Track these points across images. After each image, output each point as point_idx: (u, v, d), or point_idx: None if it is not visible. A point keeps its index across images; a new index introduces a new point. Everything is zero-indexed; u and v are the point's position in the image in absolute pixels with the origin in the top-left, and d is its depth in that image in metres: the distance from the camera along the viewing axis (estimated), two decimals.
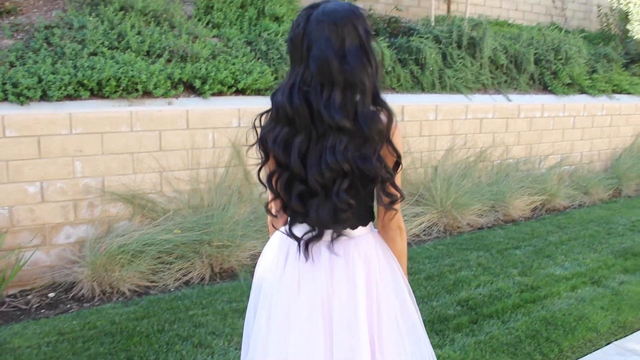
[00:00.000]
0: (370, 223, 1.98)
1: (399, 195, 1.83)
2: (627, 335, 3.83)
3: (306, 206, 1.84)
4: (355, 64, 1.71)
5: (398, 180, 1.85)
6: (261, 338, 1.95)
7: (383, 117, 1.77)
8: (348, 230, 1.90)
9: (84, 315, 3.90)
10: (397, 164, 1.83)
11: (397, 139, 1.82)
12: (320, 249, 1.90)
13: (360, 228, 1.93)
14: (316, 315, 1.88)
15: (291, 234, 1.91)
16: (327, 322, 1.87)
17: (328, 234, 1.87)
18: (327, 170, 1.74)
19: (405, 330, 1.93)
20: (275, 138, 1.80)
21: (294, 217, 1.92)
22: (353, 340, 1.84)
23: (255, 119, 1.90)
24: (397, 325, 1.91)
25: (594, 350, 3.61)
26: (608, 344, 3.71)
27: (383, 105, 1.77)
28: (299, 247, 1.89)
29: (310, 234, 1.86)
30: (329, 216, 1.81)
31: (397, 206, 1.88)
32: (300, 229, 1.90)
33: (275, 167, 1.86)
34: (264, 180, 1.92)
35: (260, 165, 1.94)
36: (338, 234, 1.87)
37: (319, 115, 1.73)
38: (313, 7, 1.78)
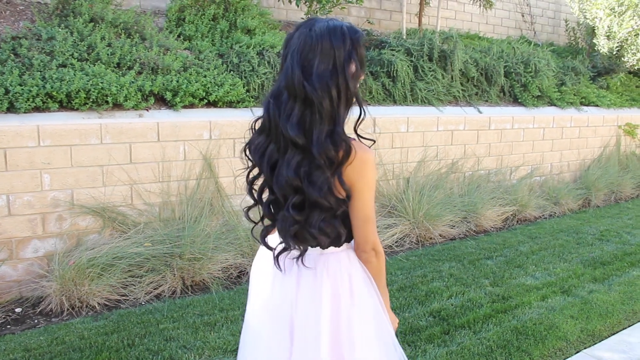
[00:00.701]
0: (346, 244, 1.96)
1: (331, 231, 1.82)
2: (596, 344, 3.87)
3: (274, 216, 1.89)
4: (318, 86, 1.67)
5: (362, 212, 1.81)
6: (240, 343, 2.06)
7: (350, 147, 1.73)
8: (318, 249, 1.91)
9: (52, 331, 3.83)
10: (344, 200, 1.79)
11: (356, 176, 1.76)
12: (292, 261, 1.91)
13: (331, 248, 1.92)
14: (281, 327, 1.90)
15: (263, 242, 1.96)
16: (291, 334, 1.89)
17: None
18: (282, 183, 1.76)
19: (379, 351, 1.92)
20: (254, 145, 1.85)
21: (267, 226, 1.96)
22: (313, 355, 1.84)
23: (251, 124, 1.92)
24: (371, 345, 1.91)
25: (564, 359, 3.65)
26: (577, 352, 3.75)
27: (339, 138, 1.71)
28: (273, 256, 1.92)
29: (281, 246, 1.89)
30: (285, 230, 1.83)
31: (368, 229, 1.84)
32: (274, 238, 1.95)
33: (256, 174, 1.92)
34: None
35: (247, 171, 1.95)
36: (302, 251, 1.87)
37: (280, 127, 1.74)
38: (315, 20, 1.77)
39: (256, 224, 1.99)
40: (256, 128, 1.89)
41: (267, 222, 1.99)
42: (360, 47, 1.75)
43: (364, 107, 1.81)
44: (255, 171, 1.92)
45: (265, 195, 1.92)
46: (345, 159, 1.72)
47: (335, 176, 1.73)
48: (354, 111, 1.81)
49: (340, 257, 1.92)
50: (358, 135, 1.83)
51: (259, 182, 1.94)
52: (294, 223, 1.79)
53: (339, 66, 1.69)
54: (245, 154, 1.91)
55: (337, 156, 1.71)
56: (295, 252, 1.88)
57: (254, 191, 1.94)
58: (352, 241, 1.95)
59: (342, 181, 1.74)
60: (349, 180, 1.76)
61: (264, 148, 1.81)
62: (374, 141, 1.95)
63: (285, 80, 1.72)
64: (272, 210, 1.90)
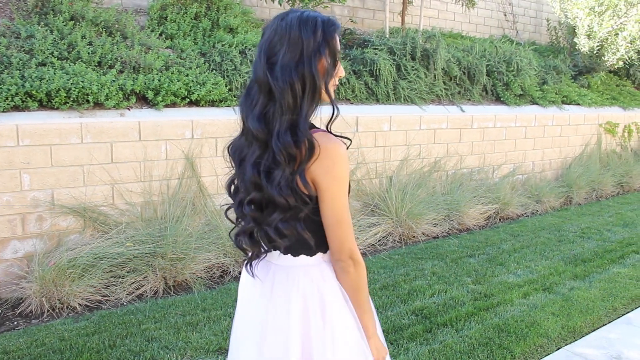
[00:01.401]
0: (321, 254, 1.78)
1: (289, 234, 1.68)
2: (576, 340, 3.90)
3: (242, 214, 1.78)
4: (280, 76, 1.58)
5: (332, 213, 1.65)
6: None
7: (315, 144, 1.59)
8: (289, 258, 1.77)
9: (32, 332, 3.79)
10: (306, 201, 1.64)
11: (322, 172, 1.61)
12: (269, 268, 1.82)
13: (302, 257, 1.76)
14: (253, 336, 1.80)
15: (236, 243, 1.83)
16: (260, 347, 1.77)
17: (273, 254, 1.80)
18: (247, 179, 1.68)
19: None
20: (232, 143, 1.80)
21: (242, 227, 1.82)
22: None
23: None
24: None
25: (545, 356, 3.67)
26: (558, 349, 3.78)
27: (301, 134, 1.58)
28: (245, 261, 1.84)
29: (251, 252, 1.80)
30: (243, 229, 1.75)
31: (342, 233, 1.67)
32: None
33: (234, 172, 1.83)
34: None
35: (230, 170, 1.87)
36: (253, 255, 1.79)
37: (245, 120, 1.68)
38: (290, 11, 1.69)
39: (235, 225, 1.84)
40: None
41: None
42: (333, 40, 1.63)
43: (336, 104, 1.69)
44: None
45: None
46: (308, 157, 1.58)
47: (297, 174, 1.59)
48: (327, 110, 1.72)
49: (312, 272, 1.75)
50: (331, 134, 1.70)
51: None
52: (251, 221, 1.71)
53: (306, 57, 1.59)
54: (228, 151, 1.82)
55: (300, 153, 1.58)
56: (271, 259, 1.79)
57: (231, 189, 1.84)
58: (328, 252, 1.78)
59: (305, 180, 1.60)
60: (314, 178, 1.61)
61: (237, 144, 1.75)
62: (350, 140, 1.80)
63: (255, 72, 1.65)
64: (239, 208, 1.77)
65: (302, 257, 1.76)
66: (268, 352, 1.74)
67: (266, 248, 1.79)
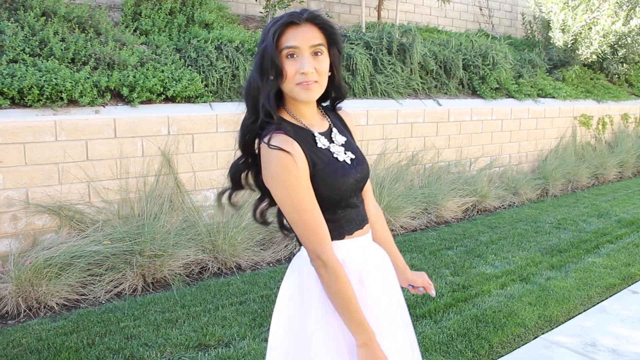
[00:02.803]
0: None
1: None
2: (553, 329, 3.96)
3: None
4: (251, 72, 1.69)
5: (286, 215, 1.68)
6: None
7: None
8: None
9: (8, 333, 3.74)
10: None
11: (271, 182, 1.65)
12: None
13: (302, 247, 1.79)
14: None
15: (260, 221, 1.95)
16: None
17: None
18: None
19: None
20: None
21: None
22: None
23: None
24: None
25: (523, 345, 3.72)
26: (535, 337, 3.83)
27: (244, 129, 1.72)
28: None
29: None
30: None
31: (301, 235, 1.66)
32: None
33: None
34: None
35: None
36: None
37: None
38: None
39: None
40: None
41: None
42: (267, 36, 1.64)
43: (263, 107, 1.66)
44: None
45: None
46: (263, 155, 1.66)
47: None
48: None
49: (302, 264, 1.80)
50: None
51: None
52: (234, 209, 1.88)
53: (258, 53, 1.68)
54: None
55: (248, 146, 1.73)
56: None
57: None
58: None
59: (259, 179, 1.76)
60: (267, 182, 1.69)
61: None
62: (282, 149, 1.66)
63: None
64: None
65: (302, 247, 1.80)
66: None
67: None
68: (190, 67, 5.64)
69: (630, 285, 4.78)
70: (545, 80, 9.87)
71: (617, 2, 10.72)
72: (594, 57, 10.59)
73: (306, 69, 1.64)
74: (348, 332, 1.68)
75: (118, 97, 5.07)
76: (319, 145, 1.73)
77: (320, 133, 1.77)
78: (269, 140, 1.62)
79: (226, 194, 1.80)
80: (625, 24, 10.92)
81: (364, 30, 8.06)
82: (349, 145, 1.83)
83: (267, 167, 1.63)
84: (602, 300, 4.46)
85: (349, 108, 1.91)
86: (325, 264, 1.62)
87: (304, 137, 1.71)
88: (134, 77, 5.05)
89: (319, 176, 1.68)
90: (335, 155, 1.75)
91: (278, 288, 1.96)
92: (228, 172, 1.78)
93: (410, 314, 3.93)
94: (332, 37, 1.70)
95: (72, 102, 4.73)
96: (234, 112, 1.94)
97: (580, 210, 7.36)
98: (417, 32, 7.96)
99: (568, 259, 5.31)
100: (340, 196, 1.73)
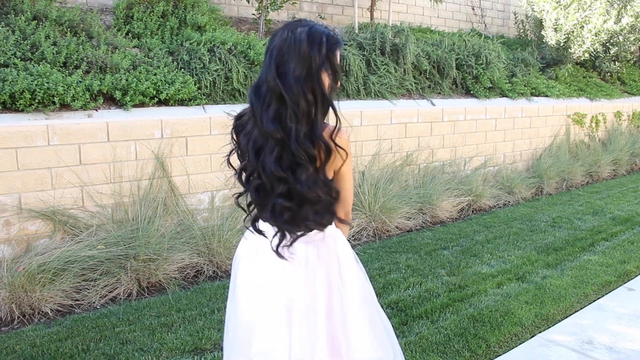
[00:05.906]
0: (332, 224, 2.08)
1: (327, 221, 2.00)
2: (549, 327, 3.96)
3: (263, 201, 1.96)
4: (294, 89, 1.76)
5: (343, 207, 2.02)
6: (229, 341, 2.18)
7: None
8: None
9: (2, 340, 3.71)
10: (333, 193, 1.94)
11: (342, 164, 1.93)
12: (286, 247, 1.99)
13: (329, 227, 2.06)
14: (279, 314, 1.99)
15: (255, 229, 2.02)
16: (289, 321, 1.99)
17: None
18: (268, 173, 1.85)
19: (372, 336, 2.07)
20: (244, 130, 1.95)
21: (257, 213, 2.03)
22: (312, 340, 1.97)
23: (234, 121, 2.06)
24: (363, 331, 2.05)
25: (520, 344, 3.72)
26: (532, 336, 3.82)
27: (318, 141, 1.82)
28: (270, 245, 1.98)
29: (277, 236, 1.95)
30: (277, 217, 1.92)
31: (352, 200, 2.07)
32: (263, 225, 2.02)
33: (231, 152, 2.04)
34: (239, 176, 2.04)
35: (229, 153, 2.06)
36: (294, 238, 1.94)
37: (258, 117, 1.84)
38: (300, 22, 1.86)
39: (247, 213, 2.06)
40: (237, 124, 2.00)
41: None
42: (334, 57, 1.84)
43: (340, 117, 1.89)
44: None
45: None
46: (327, 157, 1.85)
47: (320, 173, 1.87)
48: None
49: (328, 241, 2.05)
50: (336, 145, 1.89)
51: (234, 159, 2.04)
52: (285, 210, 1.89)
53: (314, 72, 1.79)
54: (234, 134, 1.99)
55: (319, 155, 1.84)
56: (289, 238, 1.97)
57: (242, 177, 2.01)
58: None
59: (325, 174, 1.89)
60: (335, 167, 1.93)
61: (251, 134, 1.90)
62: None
63: (266, 75, 1.82)
64: (260, 195, 1.95)
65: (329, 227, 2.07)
66: (299, 325, 1.99)
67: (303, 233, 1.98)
68: (183, 69, 5.62)
69: (626, 282, 4.79)
70: (538, 79, 9.88)
71: (608, 1, 10.75)
72: (587, 55, 10.63)
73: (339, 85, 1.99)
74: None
75: (111, 100, 5.04)
76: None
77: None
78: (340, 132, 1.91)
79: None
80: (616, 22, 10.95)
81: (356, 31, 8.05)
82: None
83: (348, 150, 1.94)
84: (599, 298, 4.46)
85: (342, 109, 1.97)
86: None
87: None
88: (127, 80, 5.02)
89: None
90: None
91: None
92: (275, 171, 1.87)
93: (406, 314, 3.95)
94: None
95: (65, 106, 4.70)
96: (228, 114, 2.00)
97: (575, 208, 7.36)
98: (410, 32, 7.95)
99: (564, 257, 5.31)
100: None
